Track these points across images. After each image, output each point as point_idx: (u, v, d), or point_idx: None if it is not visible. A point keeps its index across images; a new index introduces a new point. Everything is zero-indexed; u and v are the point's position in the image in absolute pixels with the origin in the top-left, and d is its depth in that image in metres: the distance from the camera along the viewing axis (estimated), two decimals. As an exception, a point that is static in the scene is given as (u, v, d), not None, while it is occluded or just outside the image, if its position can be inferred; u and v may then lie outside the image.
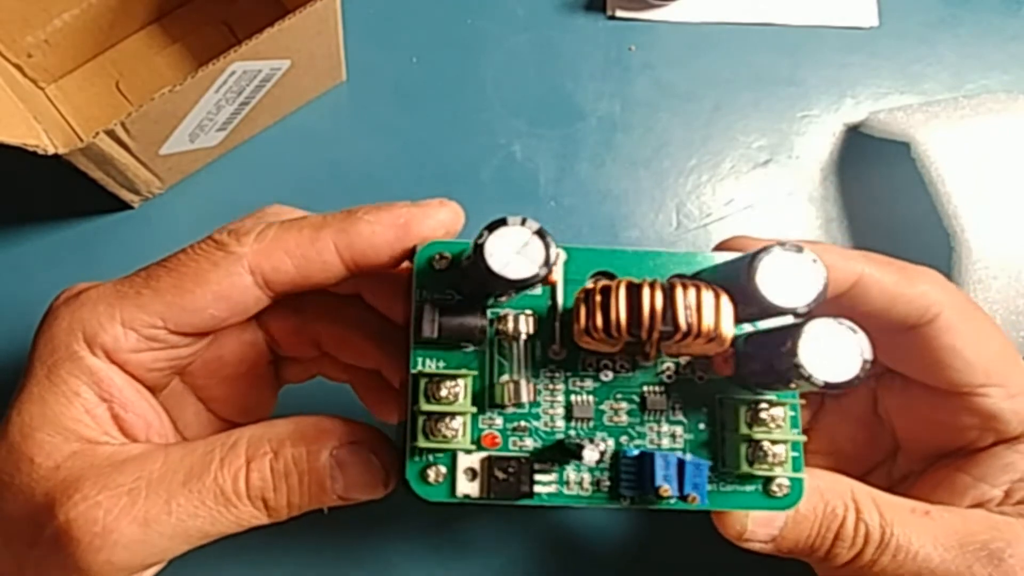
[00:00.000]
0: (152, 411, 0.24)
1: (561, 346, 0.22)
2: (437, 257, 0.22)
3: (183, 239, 0.25)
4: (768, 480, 0.22)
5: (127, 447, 0.23)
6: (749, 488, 0.22)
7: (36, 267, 0.38)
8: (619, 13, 0.44)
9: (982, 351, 0.25)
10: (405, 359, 0.23)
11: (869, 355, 0.19)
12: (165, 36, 0.43)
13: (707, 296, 0.19)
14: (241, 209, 0.27)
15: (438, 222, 0.23)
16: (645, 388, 0.22)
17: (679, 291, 0.19)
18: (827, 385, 0.19)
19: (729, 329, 0.19)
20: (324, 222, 0.23)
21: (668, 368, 0.23)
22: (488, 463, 0.21)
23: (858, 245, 0.41)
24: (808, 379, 0.19)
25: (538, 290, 0.23)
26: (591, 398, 0.22)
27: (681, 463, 0.21)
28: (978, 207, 0.36)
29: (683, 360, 0.23)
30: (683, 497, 0.20)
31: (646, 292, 0.19)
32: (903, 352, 0.26)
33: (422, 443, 0.20)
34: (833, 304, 0.24)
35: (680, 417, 0.22)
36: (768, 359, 0.20)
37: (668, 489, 0.20)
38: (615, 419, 0.22)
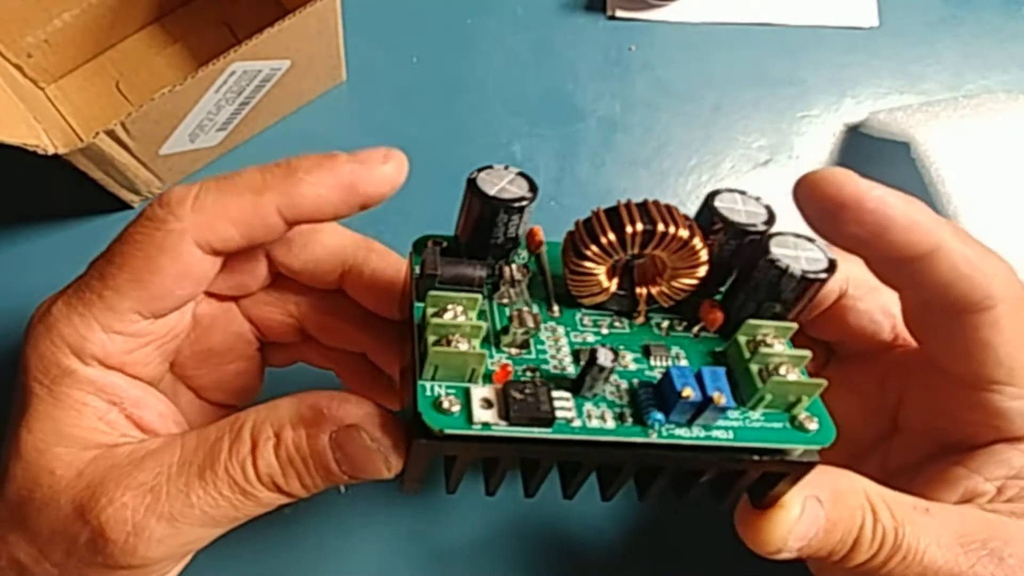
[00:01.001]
0: (161, 402, 0.25)
1: (559, 307, 0.23)
2: (430, 244, 0.23)
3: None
4: (793, 415, 0.22)
5: (146, 443, 0.22)
6: (776, 424, 0.22)
7: (36, 267, 0.38)
8: (619, 13, 0.44)
9: (1015, 354, 0.24)
10: (401, 343, 0.23)
11: (832, 254, 0.22)
12: (165, 36, 0.43)
13: (677, 210, 0.22)
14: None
15: (382, 177, 0.23)
16: (646, 342, 0.23)
17: (651, 202, 0.22)
18: (804, 276, 0.21)
19: (699, 241, 0.22)
20: (264, 183, 0.22)
21: (664, 325, 0.24)
22: (503, 390, 0.20)
23: (858, 245, 0.41)
24: (786, 271, 0.21)
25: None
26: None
27: (699, 372, 0.21)
28: (978, 208, 0.36)
29: (675, 320, 0.24)
30: (708, 399, 0.20)
31: (622, 204, 0.22)
32: (937, 333, 0.25)
33: (432, 348, 0.20)
34: (899, 271, 0.23)
35: (686, 363, 0.23)
36: (748, 283, 0.23)
37: (691, 391, 0.20)
38: (623, 364, 0.22)
